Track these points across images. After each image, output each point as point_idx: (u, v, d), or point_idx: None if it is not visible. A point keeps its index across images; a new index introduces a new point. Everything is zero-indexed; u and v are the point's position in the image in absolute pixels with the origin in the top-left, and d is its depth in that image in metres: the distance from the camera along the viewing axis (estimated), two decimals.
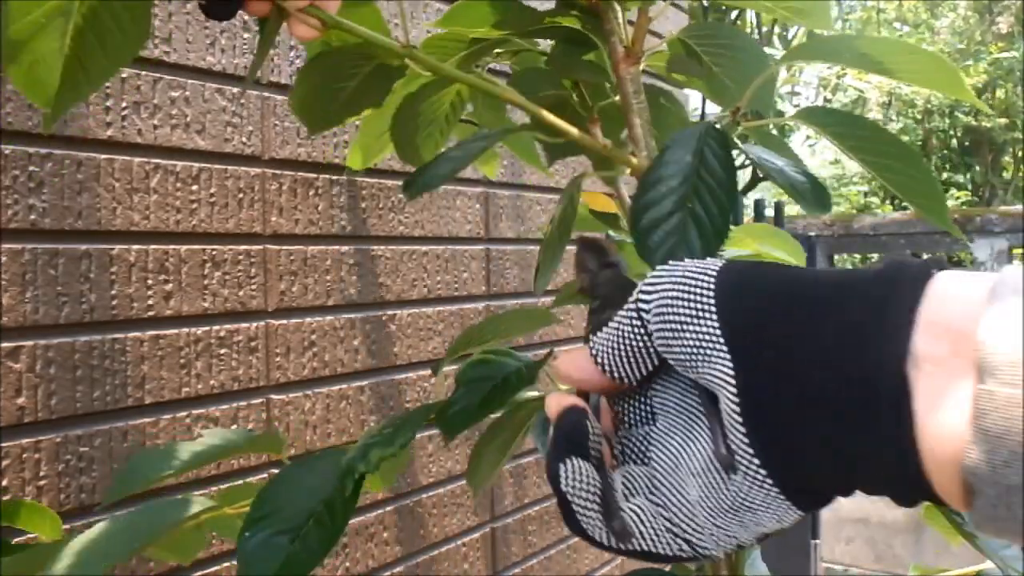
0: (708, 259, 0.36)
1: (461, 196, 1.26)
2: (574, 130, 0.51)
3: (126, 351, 0.83)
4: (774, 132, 0.62)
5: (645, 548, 0.35)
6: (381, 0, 0.55)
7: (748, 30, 5.96)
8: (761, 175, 0.53)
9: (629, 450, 0.39)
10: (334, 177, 1.04)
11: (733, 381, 0.32)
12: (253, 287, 0.95)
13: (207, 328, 0.90)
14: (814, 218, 4.04)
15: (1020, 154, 6.89)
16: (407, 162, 0.66)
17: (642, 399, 0.39)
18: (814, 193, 0.52)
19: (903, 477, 0.29)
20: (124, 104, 0.83)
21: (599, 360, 0.37)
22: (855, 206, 6.99)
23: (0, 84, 0.74)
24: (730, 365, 0.32)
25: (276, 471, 0.84)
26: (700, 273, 0.34)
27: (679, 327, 0.34)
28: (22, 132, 0.76)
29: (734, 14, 4.77)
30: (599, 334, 0.37)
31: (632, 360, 0.36)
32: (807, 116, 0.49)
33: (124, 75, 0.83)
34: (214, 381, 0.91)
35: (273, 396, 0.97)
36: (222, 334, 0.92)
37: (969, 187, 6.84)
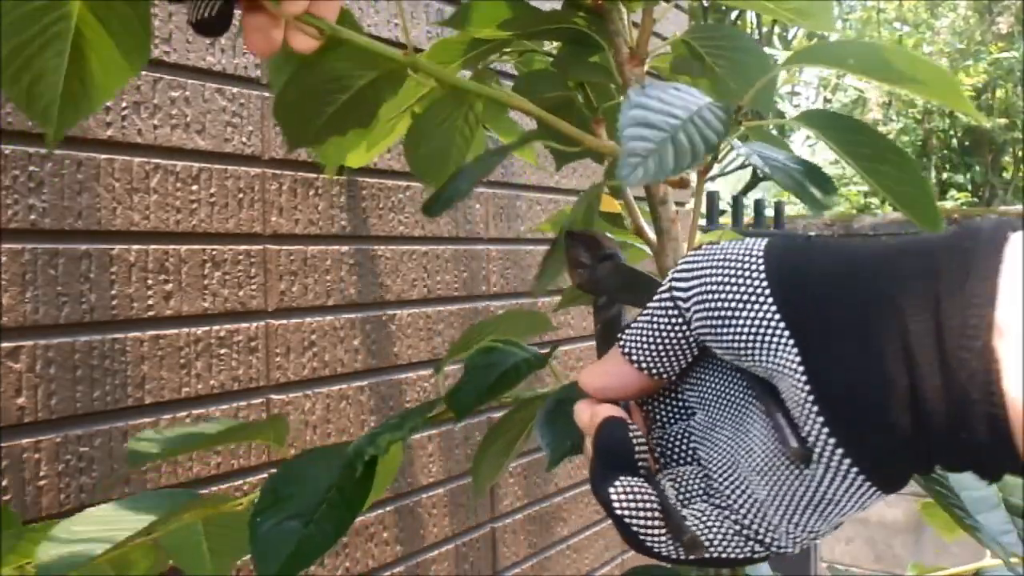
0: (747, 240, 0.33)
1: None
2: (588, 136, 0.51)
3: (126, 351, 0.83)
4: (774, 132, 0.62)
5: (716, 555, 0.33)
6: (381, 0, 0.54)
7: (748, 30, 5.96)
8: (761, 175, 0.53)
9: (670, 451, 0.37)
10: (334, 177, 1.04)
11: (802, 368, 0.30)
12: (253, 287, 0.95)
13: (207, 328, 0.90)
14: (814, 218, 4.04)
15: (1020, 154, 6.90)
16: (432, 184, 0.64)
17: (674, 394, 0.37)
18: (816, 184, 0.52)
19: (994, 452, 0.27)
20: (124, 104, 0.83)
21: (634, 358, 0.35)
22: (855, 206, 7.00)
23: None
24: (795, 351, 0.30)
25: (275, 472, 0.84)
26: (746, 254, 0.32)
27: (730, 314, 0.31)
28: (22, 132, 0.76)
29: (734, 14, 4.78)
30: (629, 331, 0.35)
31: (671, 353, 0.34)
32: (807, 119, 0.50)
33: None
34: (214, 381, 0.91)
35: (273, 396, 0.97)
36: (222, 334, 0.91)
37: (969, 187, 6.84)
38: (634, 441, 0.34)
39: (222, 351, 0.91)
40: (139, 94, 0.85)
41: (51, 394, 0.77)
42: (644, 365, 0.35)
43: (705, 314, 0.32)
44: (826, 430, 0.30)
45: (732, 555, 0.33)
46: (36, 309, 0.76)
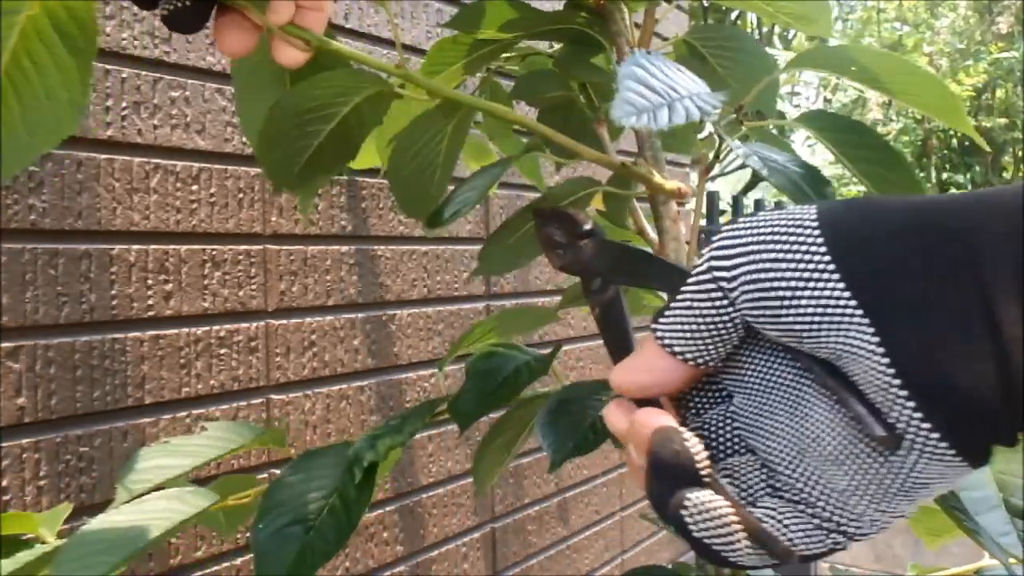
0: (792, 208, 0.30)
1: None
2: (584, 148, 0.50)
3: (126, 351, 0.83)
4: (775, 132, 0.62)
5: (800, 553, 0.30)
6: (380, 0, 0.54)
7: (748, 30, 5.96)
8: (762, 177, 0.53)
9: (713, 440, 0.33)
10: (334, 177, 1.04)
11: (881, 350, 0.27)
12: (253, 287, 0.95)
13: (207, 328, 0.90)
14: None
15: (1020, 154, 6.90)
16: (413, 216, 0.60)
17: (706, 377, 0.34)
18: (813, 188, 0.52)
19: None
20: (124, 104, 0.83)
21: (677, 349, 0.31)
22: None
23: None
24: (871, 331, 0.27)
25: (276, 471, 0.84)
26: (797, 225, 0.29)
27: (790, 294, 0.28)
28: None
29: (734, 14, 4.78)
30: (664, 320, 0.32)
31: (715, 339, 0.31)
32: (807, 120, 0.50)
33: (124, 75, 0.83)
34: (214, 381, 0.90)
35: (273, 396, 0.97)
36: (222, 334, 0.91)
37: (969, 187, 6.84)
38: (693, 450, 0.31)
39: (222, 351, 0.91)
40: (139, 94, 0.85)
41: (51, 394, 0.77)
42: (688, 355, 0.31)
43: (757, 295, 0.29)
44: (919, 415, 0.27)
45: (815, 551, 0.31)
46: (36, 309, 0.76)
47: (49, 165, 0.77)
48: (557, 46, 0.65)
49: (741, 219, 0.31)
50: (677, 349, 0.31)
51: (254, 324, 0.95)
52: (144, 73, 0.85)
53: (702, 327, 0.31)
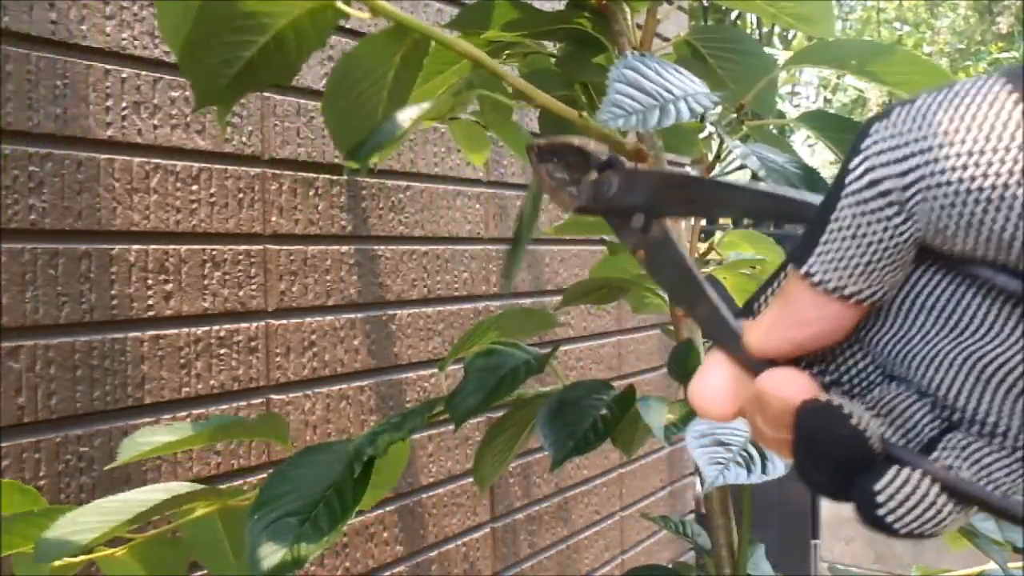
0: (965, 84, 0.24)
1: (461, 196, 1.26)
2: (541, 94, 0.49)
3: (126, 351, 0.83)
4: (775, 132, 0.62)
5: (1010, 493, 0.25)
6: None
7: (748, 30, 5.96)
8: (760, 178, 0.53)
9: (845, 375, 0.28)
10: (334, 177, 1.04)
11: None
12: (253, 287, 0.95)
13: (207, 328, 0.90)
14: None
15: None
16: (343, 151, 0.55)
17: None
18: (811, 188, 0.52)
19: None
20: (124, 104, 0.83)
21: (848, 290, 0.25)
22: None
23: (0, 84, 0.74)
24: None
25: (275, 468, 0.83)
26: (989, 104, 0.23)
27: (998, 193, 0.22)
28: (22, 132, 0.75)
29: (734, 14, 4.77)
30: (820, 259, 0.25)
31: (893, 266, 0.25)
32: (808, 120, 0.50)
33: (124, 75, 0.83)
34: (214, 381, 0.90)
35: (273, 396, 0.97)
36: (222, 334, 0.91)
37: None
38: (861, 426, 0.25)
39: (222, 351, 0.91)
40: (139, 94, 0.85)
41: (51, 394, 0.77)
42: (865, 293, 0.25)
43: (948, 201, 0.23)
44: None
45: (1018, 489, 0.26)
46: (36, 309, 0.76)
47: (49, 165, 0.77)
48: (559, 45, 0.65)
49: (894, 111, 0.24)
50: (849, 289, 0.25)
51: (254, 324, 0.95)
52: (144, 73, 0.85)
53: (877, 254, 0.24)
